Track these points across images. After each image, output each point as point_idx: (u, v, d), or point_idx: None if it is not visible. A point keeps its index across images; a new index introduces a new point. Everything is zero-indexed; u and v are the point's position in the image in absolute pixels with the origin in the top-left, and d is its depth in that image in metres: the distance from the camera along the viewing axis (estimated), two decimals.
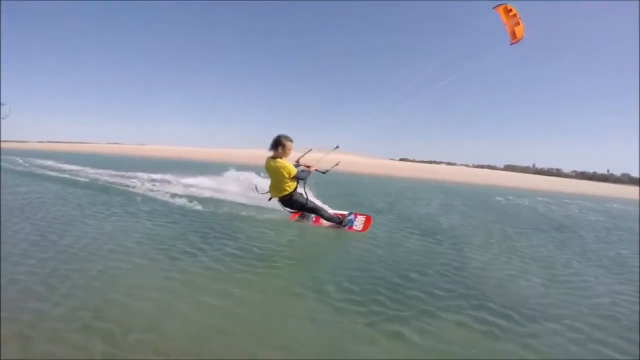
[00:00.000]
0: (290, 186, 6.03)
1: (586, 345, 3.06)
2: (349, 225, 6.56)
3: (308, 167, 6.38)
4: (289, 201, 6.17)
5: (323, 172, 6.60)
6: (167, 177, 12.24)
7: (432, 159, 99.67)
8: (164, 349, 2.48)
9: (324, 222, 6.64)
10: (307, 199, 6.23)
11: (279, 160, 5.88)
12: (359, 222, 6.62)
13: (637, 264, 6.13)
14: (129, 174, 13.55)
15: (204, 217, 6.77)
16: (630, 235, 9.57)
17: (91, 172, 14.33)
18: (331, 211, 6.80)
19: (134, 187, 10.29)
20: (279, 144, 5.89)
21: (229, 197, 8.76)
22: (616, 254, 6.81)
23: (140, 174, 13.26)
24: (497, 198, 16.84)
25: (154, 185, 10.57)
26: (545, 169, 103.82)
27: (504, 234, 7.62)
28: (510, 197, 18.34)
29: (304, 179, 6.15)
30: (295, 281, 3.88)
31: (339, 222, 6.57)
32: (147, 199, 8.43)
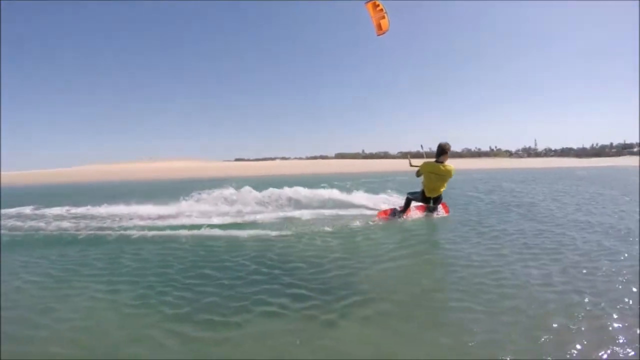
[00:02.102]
0: (445, 185, 6.90)
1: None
2: (436, 211, 7.46)
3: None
4: (438, 198, 7.07)
5: None
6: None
7: (267, 156, 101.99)
8: None
9: (412, 214, 7.44)
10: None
11: (447, 164, 6.62)
12: (439, 208, 7.52)
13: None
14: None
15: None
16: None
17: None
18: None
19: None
20: (446, 151, 6.60)
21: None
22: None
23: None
24: (322, 185, 17.49)
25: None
26: (374, 152, 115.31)
27: (317, 216, 7.79)
28: (335, 182, 19.11)
29: None
30: None
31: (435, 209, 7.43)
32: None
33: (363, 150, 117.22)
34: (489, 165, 52.69)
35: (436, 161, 6.64)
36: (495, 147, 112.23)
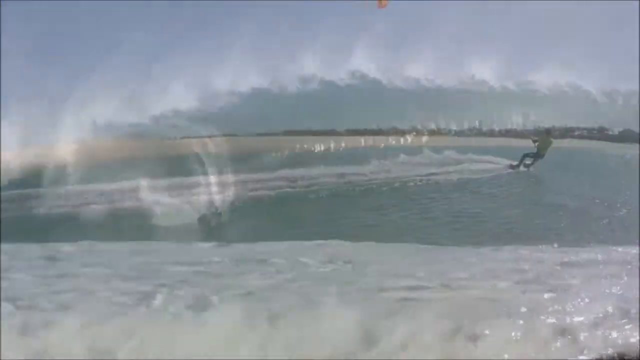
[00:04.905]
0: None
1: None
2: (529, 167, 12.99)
3: None
4: (544, 155, 12.64)
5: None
6: None
7: None
8: None
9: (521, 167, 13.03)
10: None
11: (550, 139, 12.93)
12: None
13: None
14: None
15: None
16: None
17: None
18: None
19: None
20: (550, 133, 13.30)
21: None
22: None
23: None
24: None
25: None
26: None
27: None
28: None
29: None
30: None
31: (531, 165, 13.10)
32: None
33: None
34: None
35: (547, 137, 12.68)
36: None
